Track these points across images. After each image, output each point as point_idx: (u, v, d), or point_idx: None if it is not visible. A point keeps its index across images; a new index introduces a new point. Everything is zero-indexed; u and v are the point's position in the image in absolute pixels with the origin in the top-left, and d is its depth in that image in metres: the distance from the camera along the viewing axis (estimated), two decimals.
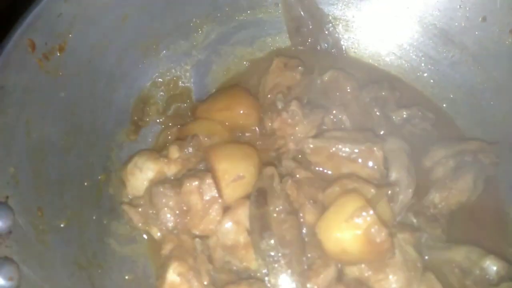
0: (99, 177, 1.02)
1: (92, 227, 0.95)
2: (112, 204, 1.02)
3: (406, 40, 1.24)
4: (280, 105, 1.06)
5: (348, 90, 1.11)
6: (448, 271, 0.98)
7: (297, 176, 1.01)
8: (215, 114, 1.09)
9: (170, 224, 0.97)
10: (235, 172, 0.96)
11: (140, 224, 1.00)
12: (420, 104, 1.15)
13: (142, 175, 1.00)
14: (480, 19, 1.12)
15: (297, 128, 1.05)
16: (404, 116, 1.13)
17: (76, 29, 0.95)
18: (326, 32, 1.24)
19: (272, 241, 0.90)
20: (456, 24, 1.15)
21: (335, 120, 1.08)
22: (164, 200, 0.96)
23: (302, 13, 1.21)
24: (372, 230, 0.86)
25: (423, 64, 1.23)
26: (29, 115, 0.86)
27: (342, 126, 1.08)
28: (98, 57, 1.01)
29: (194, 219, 0.97)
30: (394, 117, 1.13)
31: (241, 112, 1.08)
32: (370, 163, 1.00)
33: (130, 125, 1.11)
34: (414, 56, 1.24)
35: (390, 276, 0.91)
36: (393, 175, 1.01)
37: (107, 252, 0.96)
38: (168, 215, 0.97)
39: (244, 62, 1.24)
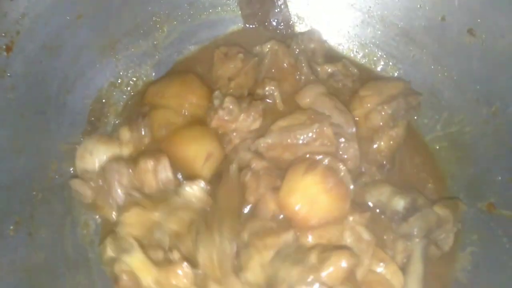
0: (53, 181, 0.99)
1: (43, 233, 0.93)
2: (66, 208, 1.00)
3: (369, 39, 1.24)
4: (216, 103, 1.05)
5: (285, 64, 1.12)
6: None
7: (254, 166, 1.00)
8: (166, 100, 1.06)
9: (121, 201, 0.95)
10: (204, 151, 0.99)
11: (90, 201, 0.97)
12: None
13: (92, 158, 0.98)
14: (439, 18, 1.12)
15: (237, 125, 1.04)
16: (329, 71, 1.16)
17: (25, 28, 0.92)
18: (277, 10, 1.23)
19: None
20: (417, 24, 1.16)
21: (266, 94, 1.09)
22: (117, 177, 0.95)
23: None
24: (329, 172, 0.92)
25: (385, 63, 1.24)
26: None
27: (274, 103, 1.10)
28: (50, 58, 0.98)
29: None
30: (319, 71, 1.16)
31: (193, 101, 1.07)
32: (324, 141, 1.01)
33: (87, 125, 1.08)
34: (377, 55, 1.25)
35: None
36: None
37: (59, 258, 0.93)
38: (120, 192, 0.95)
39: None
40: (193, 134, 1.02)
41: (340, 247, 0.90)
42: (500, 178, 1.03)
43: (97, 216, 1.03)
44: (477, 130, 1.09)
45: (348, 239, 0.94)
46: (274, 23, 1.24)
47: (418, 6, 1.14)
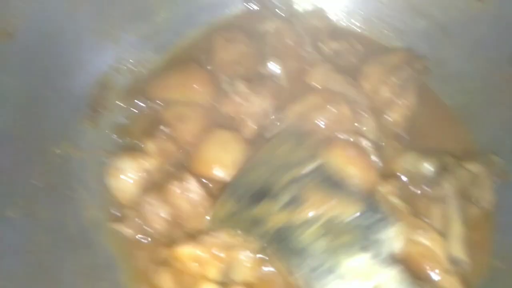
0: (55, 165, 0.98)
1: (45, 215, 0.92)
2: (69, 191, 1.00)
3: (373, 13, 1.21)
4: (227, 87, 1.02)
5: (289, 44, 1.10)
6: None
7: None
8: (168, 90, 1.05)
9: (163, 230, 0.94)
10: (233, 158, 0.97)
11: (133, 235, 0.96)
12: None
13: (123, 174, 0.97)
14: None
15: (249, 106, 1.01)
16: (334, 48, 1.14)
17: (25, 15, 0.92)
18: None
19: None
20: None
21: (272, 73, 1.07)
22: (151, 208, 0.93)
23: None
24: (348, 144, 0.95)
25: (390, 37, 1.21)
26: None
27: (280, 81, 1.08)
28: (50, 44, 0.98)
29: (185, 221, 0.95)
30: (324, 48, 1.14)
31: (195, 87, 1.05)
32: (343, 121, 0.98)
33: (89, 111, 1.06)
34: (381, 29, 1.21)
35: None
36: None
37: (62, 240, 0.94)
38: (159, 223, 0.94)
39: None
40: (216, 143, 1.00)
41: None
42: None
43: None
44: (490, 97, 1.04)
45: None
46: (275, 1, 1.21)
47: None
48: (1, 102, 0.90)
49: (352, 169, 0.89)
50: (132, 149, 1.02)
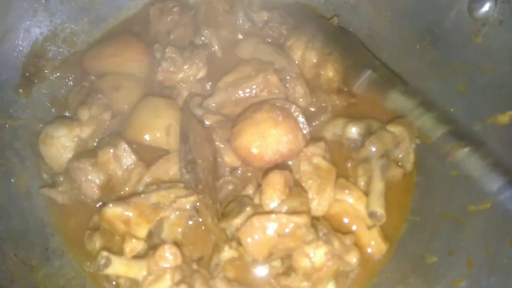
0: None
1: None
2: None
3: None
4: (158, 55, 1.04)
5: (220, 11, 1.12)
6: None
7: (208, 122, 0.99)
8: (104, 61, 1.05)
9: (96, 196, 0.95)
10: (163, 126, 0.98)
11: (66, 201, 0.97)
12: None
13: (56, 141, 0.96)
14: None
15: (182, 74, 1.02)
16: (265, 18, 1.17)
17: None
18: None
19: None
20: None
21: (206, 42, 1.09)
22: (83, 174, 0.94)
23: None
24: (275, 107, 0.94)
25: (323, 10, 1.26)
26: None
27: (213, 49, 1.10)
28: None
29: (117, 186, 0.96)
30: (255, 19, 1.16)
31: (131, 58, 1.06)
32: (272, 89, 1.00)
33: (22, 80, 1.05)
34: (317, 3, 1.26)
35: (303, 184, 0.92)
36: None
37: None
38: (91, 188, 0.94)
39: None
40: (148, 109, 1.00)
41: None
42: None
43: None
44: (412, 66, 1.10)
45: (303, 168, 0.94)
46: None
47: None
48: None
49: (277, 131, 0.90)
50: (66, 118, 1.03)
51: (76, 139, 0.98)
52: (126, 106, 1.04)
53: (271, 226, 0.80)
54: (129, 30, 1.17)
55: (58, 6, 1.13)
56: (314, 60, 1.09)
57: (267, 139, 0.90)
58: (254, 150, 0.91)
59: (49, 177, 1.01)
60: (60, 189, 0.96)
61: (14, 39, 1.05)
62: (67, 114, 1.08)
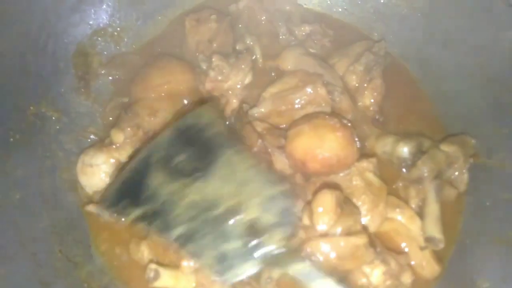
0: (32, 124, 0.95)
1: (19, 173, 0.89)
2: (46, 152, 0.98)
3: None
4: (204, 65, 1.02)
5: (263, 21, 1.12)
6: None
7: (258, 129, 0.97)
8: (153, 91, 1.03)
9: None
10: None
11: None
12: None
13: (96, 169, 0.94)
14: None
15: (230, 82, 1.01)
16: (307, 31, 1.16)
17: None
18: None
19: None
20: None
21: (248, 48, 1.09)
22: None
23: None
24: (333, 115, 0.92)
25: (374, 19, 1.23)
26: None
27: (254, 57, 1.10)
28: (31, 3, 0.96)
29: None
30: (297, 32, 1.16)
31: (179, 80, 1.04)
32: (319, 102, 0.99)
33: (77, 81, 1.05)
34: (365, 12, 1.24)
35: (354, 200, 0.90)
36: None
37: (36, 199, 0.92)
38: None
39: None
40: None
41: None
42: None
43: None
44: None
45: (355, 182, 0.92)
46: None
47: None
48: None
49: (334, 137, 0.88)
50: (100, 144, 1.00)
51: (113, 161, 0.96)
52: (160, 127, 1.01)
53: (330, 250, 0.78)
54: (167, 50, 1.15)
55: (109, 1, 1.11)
56: (354, 84, 1.08)
57: (325, 142, 0.89)
58: (312, 151, 0.89)
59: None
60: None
61: (63, 31, 1.05)
62: (92, 136, 1.05)
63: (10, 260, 0.81)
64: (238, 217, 0.76)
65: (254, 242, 0.75)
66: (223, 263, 0.76)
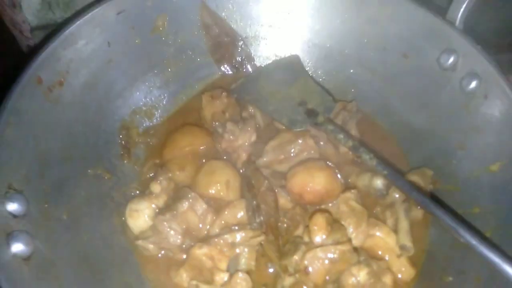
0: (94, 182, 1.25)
1: (92, 222, 1.17)
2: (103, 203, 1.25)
3: (334, 68, 1.55)
4: (220, 130, 1.34)
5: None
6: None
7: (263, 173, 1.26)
8: (182, 151, 1.34)
9: (179, 242, 1.17)
10: (224, 180, 1.24)
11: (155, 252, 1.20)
12: None
13: (141, 213, 1.21)
14: (382, 48, 1.47)
15: (240, 141, 1.32)
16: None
17: (72, 69, 1.21)
18: (239, 49, 1.55)
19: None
20: (366, 53, 1.49)
21: (249, 115, 1.41)
22: (167, 225, 1.17)
23: (217, 31, 1.50)
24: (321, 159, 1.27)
25: (346, 85, 1.54)
26: (37, 132, 1.09)
27: (257, 126, 1.40)
28: (89, 91, 1.26)
29: (195, 231, 1.20)
30: None
31: (200, 143, 1.36)
32: (310, 150, 1.29)
33: (121, 149, 1.35)
34: (339, 80, 1.54)
35: (342, 222, 1.16)
36: None
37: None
38: (175, 236, 1.17)
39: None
40: (209, 170, 1.28)
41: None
42: None
43: None
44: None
45: (341, 209, 1.19)
46: (239, 59, 1.56)
47: (365, 41, 1.50)
48: (52, 133, 1.16)
49: (324, 175, 1.18)
50: (143, 194, 1.29)
51: (154, 206, 1.23)
52: (189, 179, 1.32)
53: (325, 256, 1.05)
54: (190, 116, 1.49)
55: (141, 87, 1.45)
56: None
57: (315, 179, 1.18)
58: (306, 186, 1.18)
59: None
60: (150, 239, 1.19)
61: (112, 112, 1.35)
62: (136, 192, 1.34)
63: None
64: None
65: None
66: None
